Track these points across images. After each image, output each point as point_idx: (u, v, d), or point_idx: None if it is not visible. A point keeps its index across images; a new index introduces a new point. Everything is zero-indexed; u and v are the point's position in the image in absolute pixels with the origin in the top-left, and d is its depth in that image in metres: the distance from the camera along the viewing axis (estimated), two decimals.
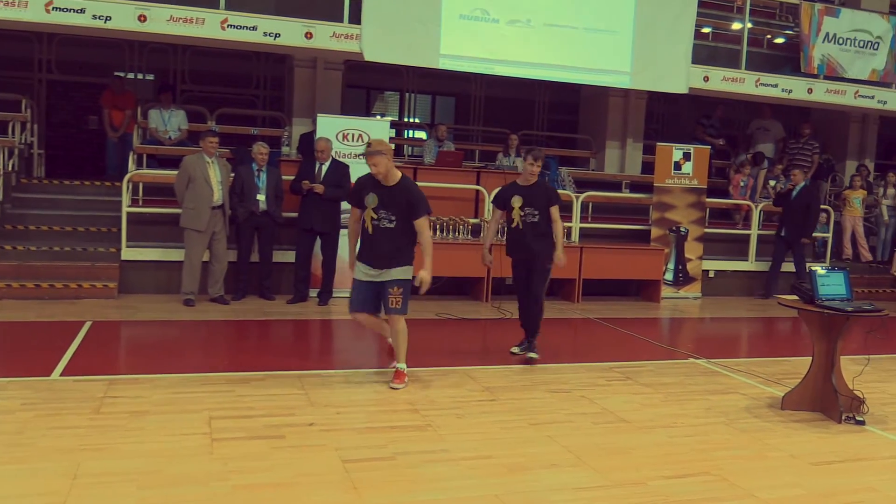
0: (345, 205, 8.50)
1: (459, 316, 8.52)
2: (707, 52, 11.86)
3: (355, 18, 9.66)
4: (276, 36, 9.39)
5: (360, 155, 5.60)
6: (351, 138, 9.10)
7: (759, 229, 11.37)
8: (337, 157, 8.73)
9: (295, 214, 8.68)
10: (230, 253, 8.51)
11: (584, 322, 8.73)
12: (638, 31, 10.86)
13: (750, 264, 11.34)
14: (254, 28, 9.28)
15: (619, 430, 4.92)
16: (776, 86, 11.75)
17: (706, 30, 12.46)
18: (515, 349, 6.80)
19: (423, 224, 5.43)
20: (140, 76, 12.61)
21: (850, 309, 5.21)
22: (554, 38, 10.52)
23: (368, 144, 5.45)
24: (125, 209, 8.75)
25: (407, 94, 14.19)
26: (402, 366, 5.62)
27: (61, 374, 5.48)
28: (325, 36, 9.56)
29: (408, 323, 5.64)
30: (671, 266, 10.62)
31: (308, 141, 9.46)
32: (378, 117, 13.23)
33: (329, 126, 9.07)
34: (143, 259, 8.76)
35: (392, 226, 5.41)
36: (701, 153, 10.94)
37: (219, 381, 5.50)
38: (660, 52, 10.94)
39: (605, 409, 5.33)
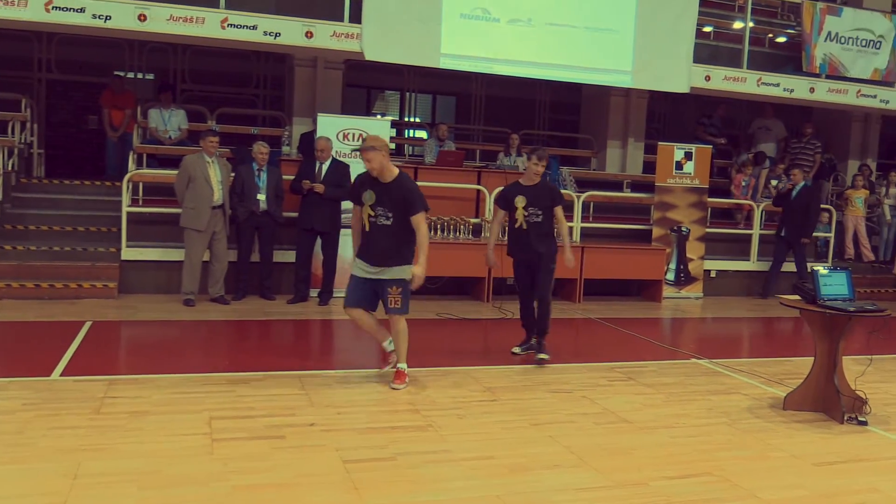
0: (345, 204, 8.51)
1: (460, 316, 8.51)
2: (709, 52, 11.84)
3: (356, 18, 9.64)
4: (276, 35, 9.37)
5: (355, 150, 5.57)
6: (351, 138, 9.08)
7: (760, 229, 11.35)
8: (337, 157, 8.71)
9: (295, 214, 8.67)
10: (230, 253, 8.50)
11: (586, 322, 8.71)
12: (639, 30, 10.85)
13: (752, 264, 11.32)
14: (254, 27, 9.26)
15: (620, 430, 4.91)
16: (778, 85, 11.73)
17: (708, 29, 12.44)
18: (517, 349, 6.79)
19: (419, 220, 5.37)
20: (140, 76, 12.60)
21: (852, 309, 5.19)
22: (555, 38, 10.50)
23: (364, 140, 5.43)
24: (125, 209, 8.74)
25: (407, 94, 14.18)
26: (402, 366, 5.60)
27: (61, 375, 5.47)
28: (326, 35, 9.54)
29: (408, 323, 5.61)
30: (673, 266, 10.60)
31: (309, 140, 9.44)
32: (378, 117, 13.22)
33: (329, 126, 9.06)
34: (144, 259, 8.75)
35: (389, 223, 5.37)
36: (702, 153, 10.92)
37: (219, 381, 5.48)
38: (661, 52, 10.92)
39: (607, 409, 5.32)
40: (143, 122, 10.56)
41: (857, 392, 5.39)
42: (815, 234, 11.84)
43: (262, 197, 8.49)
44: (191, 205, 8.09)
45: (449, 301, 9.31)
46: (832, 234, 11.91)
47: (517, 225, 6.50)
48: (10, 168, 9.45)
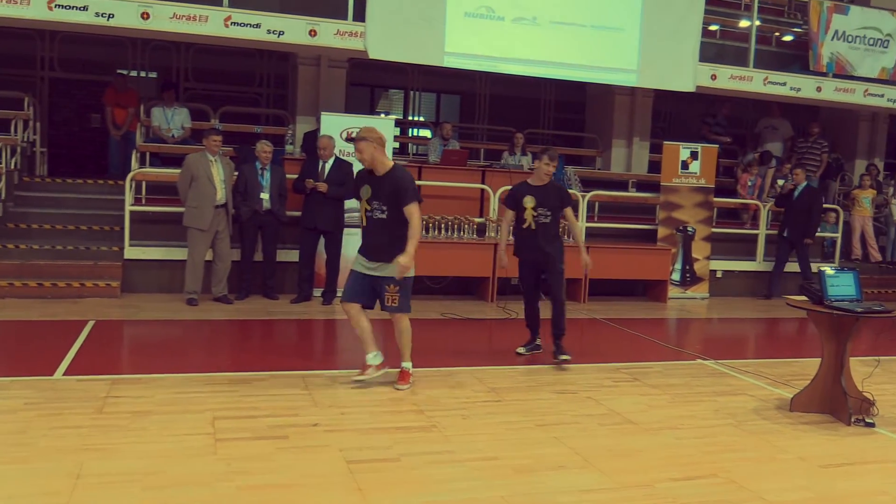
0: (349, 203, 8.49)
1: (464, 316, 8.48)
2: (715, 50, 11.79)
3: (360, 16, 9.62)
4: (279, 34, 9.35)
5: (348, 141, 5.51)
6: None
7: (767, 229, 11.30)
8: (340, 156, 8.68)
9: (299, 213, 8.64)
10: (233, 252, 8.48)
11: (591, 322, 8.67)
12: (645, 29, 10.81)
13: (758, 264, 11.27)
14: (257, 26, 9.24)
15: (626, 431, 4.88)
16: (784, 84, 11.68)
17: (714, 27, 12.37)
18: (521, 350, 6.76)
19: (411, 210, 5.28)
20: (143, 74, 12.58)
21: (859, 310, 5.15)
22: (560, 36, 10.47)
23: (358, 131, 5.40)
24: (128, 208, 8.73)
25: (411, 93, 14.14)
26: (407, 365, 5.57)
27: (64, 374, 5.46)
28: (329, 33, 9.52)
29: (412, 323, 5.59)
30: (678, 266, 10.56)
31: (312, 139, 9.42)
32: (382, 115, 13.19)
33: (333, 124, 9.03)
34: (147, 258, 8.73)
35: (384, 216, 5.33)
36: (708, 152, 10.87)
37: (222, 381, 5.47)
38: (667, 50, 10.88)
39: (612, 410, 5.29)
40: (146, 121, 10.56)
41: (864, 393, 5.35)
42: (821, 234, 11.81)
43: (265, 196, 8.47)
44: (194, 204, 8.07)
45: (453, 301, 9.29)
46: (839, 235, 11.86)
47: (525, 225, 6.44)
48: (12, 166, 9.46)
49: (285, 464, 4.03)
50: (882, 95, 12.24)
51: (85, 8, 8.64)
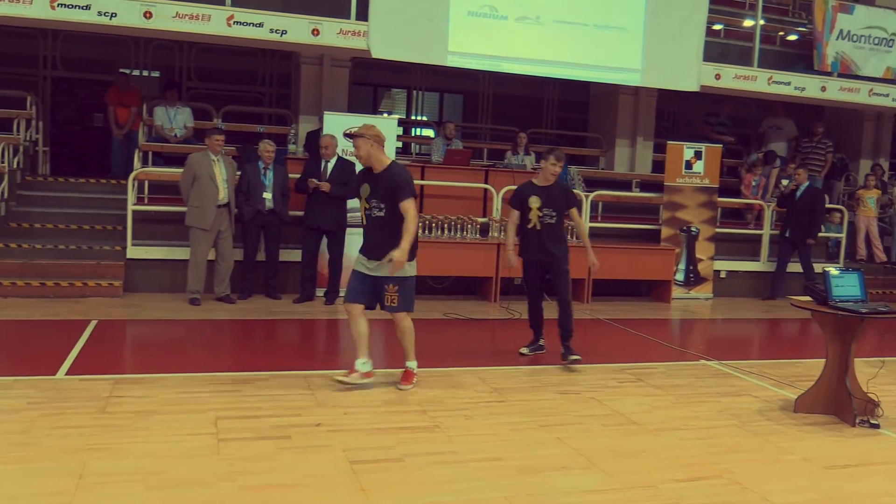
0: (351, 203, 8.47)
1: (467, 316, 8.46)
2: (719, 50, 11.78)
3: (362, 15, 9.60)
4: (282, 33, 9.34)
5: (346, 137, 5.48)
6: None
7: (770, 229, 11.27)
8: (343, 155, 8.67)
9: (301, 213, 8.63)
10: (236, 252, 8.47)
11: (594, 323, 8.65)
12: (649, 28, 10.78)
13: (762, 265, 11.24)
14: (260, 25, 9.23)
15: (629, 432, 4.86)
16: (789, 83, 11.65)
17: (718, 27, 12.36)
18: (525, 350, 6.74)
19: (407, 206, 5.23)
20: (145, 73, 12.59)
21: (864, 310, 5.13)
22: (563, 35, 10.45)
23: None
24: (131, 207, 8.72)
25: (414, 92, 14.13)
26: (411, 365, 5.57)
27: (67, 374, 5.45)
28: (332, 33, 9.51)
29: (415, 323, 5.57)
30: (682, 266, 10.54)
31: (315, 139, 9.40)
32: (385, 115, 13.17)
33: (336, 124, 8.98)
34: (149, 257, 8.73)
35: (382, 214, 5.30)
36: (712, 152, 10.85)
37: (225, 380, 5.45)
38: (671, 50, 10.85)
39: (616, 410, 5.27)
40: (148, 120, 10.56)
41: (869, 394, 5.33)
42: (826, 234, 11.79)
43: (268, 195, 8.46)
44: (196, 203, 8.07)
45: (456, 301, 9.27)
46: (844, 235, 11.82)
47: (530, 226, 6.40)
48: (15, 166, 9.46)
49: (288, 464, 4.02)
50: (887, 95, 12.20)
51: (87, 7, 8.63)
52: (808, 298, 5.49)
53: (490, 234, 9.62)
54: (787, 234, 10.82)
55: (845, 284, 5.30)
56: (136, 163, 9.46)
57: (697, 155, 10.70)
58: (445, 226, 9.28)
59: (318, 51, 10.41)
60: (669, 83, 11.33)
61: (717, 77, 11.29)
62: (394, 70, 12.36)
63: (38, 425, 4.37)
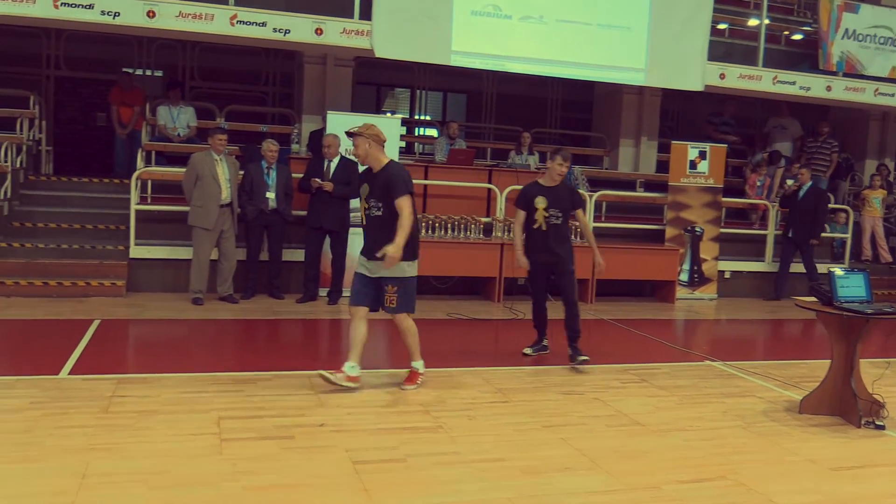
0: (354, 203, 8.45)
1: (471, 316, 8.45)
2: (723, 49, 11.74)
3: (366, 14, 9.59)
4: (285, 32, 9.33)
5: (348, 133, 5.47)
6: None
7: (775, 230, 11.23)
8: (346, 155, 8.66)
9: (304, 213, 8.62)
10: (239, 251, 8.46)
11: (598, 323, 8.63)
12: (653, 28, 10.75)
13: (766, 265, 11.20)
14: (263, 24, 9.22)
15: (633, 433, 4.84)
16: (794, 83, 11.61)
17: (722, 26, 12.31)
18: (528, 350, 6.72)
19: (402, 203, 5.20)
20: (149, 72, 12.59)
21: (869, 311, 5.10)
22: (567, 35, 10.42)
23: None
24: (134, 207, 8.72)
25: (418, 91, 14.11)
26: (416, 365, 5.56)
27: (69, 373, 5.45)
28: (336, 32, 9.50)
29: (417, 323, 5.56)
30: (686, 267, 10.51)
31: (318, 139, 9.39)
32: (389, 115, 13.16)
33: (339, 123, 8.97)
34: (152, 257, 8.73)
35: (380, 213, 5.29)
36: (717, 152, 10.82)
37: (228, 380, 5.45)
38: (675, 49, 10.81)
39: (620, 411, 5.25)
40: (151, 120, 10.56)
41: (874, 396, 5.30)
42: (831, 234, 11.76)
43: (271, 195, 8.46)
44: (198, 203, 8.06)
45: (459, 301, 9.26)
46: (849, 235, 11.78)
47: (536, 226, 6.36)
48: (18, 165, 9.45)
49: (291, 464, 4.00)
50: (893, 95, 12.14)
51: (91, 6, 8.63)
52: (813, 299, 5.46)
53: (493, 234, 9.60)
54: (789, 235, 10.79)
55: (850, 285, 5.28)
56: (140, 162, 9.46)
57: (702, 155, 10.67)
58: (449, 226, 9.26)
59: (321, 50, 10.40)
60: (674, 83, 11.29)
61: (722, 76, 11.26)
62: (397, 69, 12.34)
63: (40, 425, 4.36)
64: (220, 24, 9.07)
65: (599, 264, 6.53)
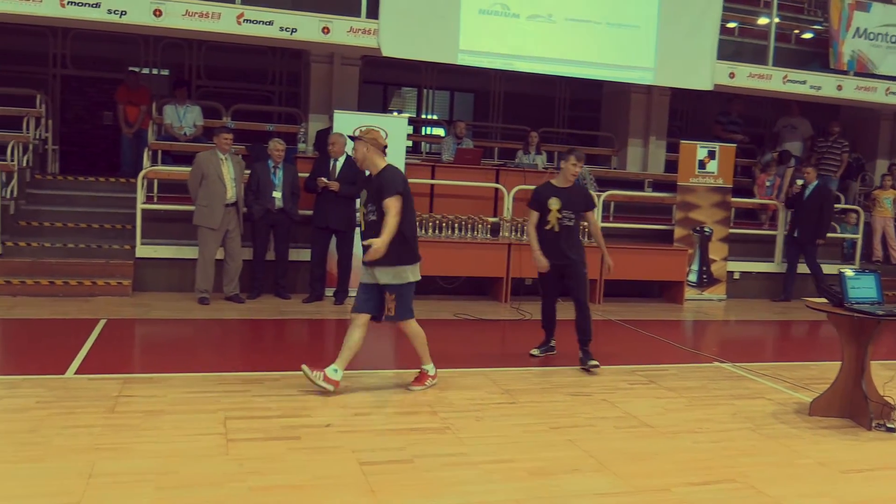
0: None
1: (478, 317, 8.41)
2: (733, 48, 11.68)
3: (373, 13, 9.58)
4: (292, 31, 9.32)
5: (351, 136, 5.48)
6: None
7: (785, 230, 11.16)
8: (351, 154, 8.63)
9: (311, 212, 8.60)
10: (245, 251, 8.45)
11: (606, 324, 8.58)
12: (662, 26, 10.70)
13: (776, 266, 11.13)
14: (270, 23, 9.21)
15: (642, 434, 4.81)
16: (804, 82, 11.54)
17: (732, 25, 12.25)
18: (535, 351, 6.69)
19: (389, 203, 5.17)
20: (155, 71, 12.61)
21: (881, 312, 5.05)
22: (575, 34, 10.39)
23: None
24: (140, 206, 8.72)
25: (425, 91, 14.10)
26: (426, 367, 5.54)
27: (76, 373, 5.44)
28: (343, 31, 9.48)
29: (424, 324, 5.54)
30: (695, 267, 10.45)
31: (325, 138, 9.38)
32: (395, 114, 13.14)
33: (346, 122, 8.96)
34: (158, 256, 8.72)
35: (375, 218, 5.28)
36: (726, 152, 10.75)
37: (234, 380, 5.43)
38: (684, 48, 10.77)
39: (628, 413, 5.22)
40: (157, 119, 10.56)
41: (885, 398, 5.27)
42: (841, 235, 11.68)
43: (277, 194, 8.44)
44: (204, 202, 8.05)
45: (466, 301, 9.22)
46: (860, 236, 11.70)
47: (548, 227, 6.30)
48: (24, 164, 9.46)
49: (298, 464, 3.99)
50: None
51: (97, 5, 8.64)
52: (823, 300, 5.42)
53: (501, 234, 9.57)
54: (795, 234, 10.72)
55: (861, 286, 5.24)
56: (146, 161, 9.47)
57: (711, 154, 10.60)
58: (456, 225, 9.23)
59: (328, 49, 10.38)
60: (683, 82, 11.24)
61: (732, 76, 11.20)
62: (404, 68, 12.32)
63: (46, 424, 4.35)
64: (226, 22, 9.07)
65: (609, 265, 6.49)
